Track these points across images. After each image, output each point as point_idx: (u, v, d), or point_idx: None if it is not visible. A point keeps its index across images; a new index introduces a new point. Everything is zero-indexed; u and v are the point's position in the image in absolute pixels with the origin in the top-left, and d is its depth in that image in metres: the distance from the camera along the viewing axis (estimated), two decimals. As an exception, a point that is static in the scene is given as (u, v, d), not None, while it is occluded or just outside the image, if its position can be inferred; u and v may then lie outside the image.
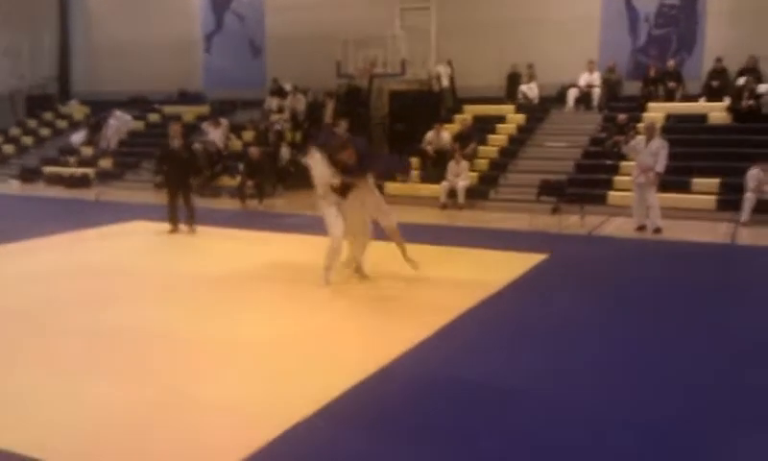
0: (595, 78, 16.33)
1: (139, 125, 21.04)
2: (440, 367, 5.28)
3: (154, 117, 21.33)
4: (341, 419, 4.37)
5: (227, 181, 16.83)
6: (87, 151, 20.26)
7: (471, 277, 8.10)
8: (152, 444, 4.05)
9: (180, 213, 11.31)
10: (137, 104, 22.01)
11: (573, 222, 11.81)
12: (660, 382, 4.97)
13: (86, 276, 8.24)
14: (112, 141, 20.29)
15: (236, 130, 19.02)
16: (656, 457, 3.84)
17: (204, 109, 20.58)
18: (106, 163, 19.44)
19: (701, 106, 15.03)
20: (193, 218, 11.30)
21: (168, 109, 21.22)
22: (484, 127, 16.01)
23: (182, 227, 11.22)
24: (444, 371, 5.20)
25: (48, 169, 19.40)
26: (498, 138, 15.88)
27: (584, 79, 16.36)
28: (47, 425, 4.23)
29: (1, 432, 4.09)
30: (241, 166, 15.81)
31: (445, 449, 3.96)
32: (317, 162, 8.03)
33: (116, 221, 12.13)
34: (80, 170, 18.84)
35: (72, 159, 19.80)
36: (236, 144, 18.46)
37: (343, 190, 7.85)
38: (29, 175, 19.41)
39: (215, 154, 17.51)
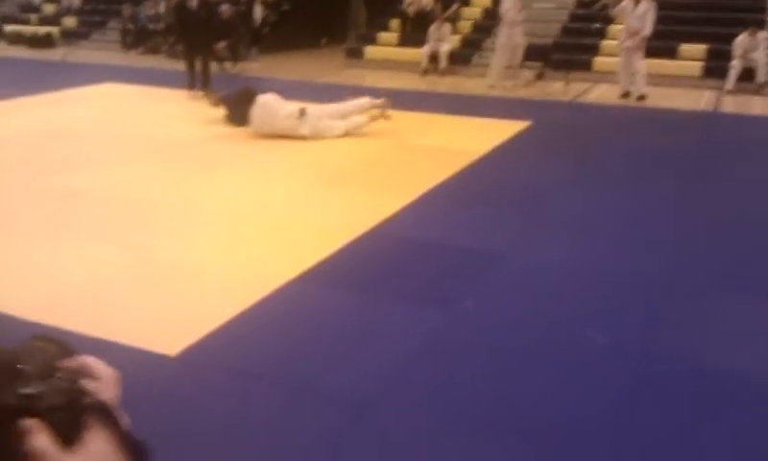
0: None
1: (103, -19, 19.87)
2: (421, 232, 5.28)
3: (118, -28, 20.11)
4: (324, 281, 4.37)
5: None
6: (49, 8, 19.20)
7: (452, 145, 7.95)
8: (137, 304, 4.02)
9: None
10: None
11: (557, 88, 11.55)
12: (632, 244, 5.02)
13: (57, 139, 8.00)
14: (75, -2, 19.24)
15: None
16: (628, 311, 3.89)
17: (172, -36, 19.42)
18: (70, 22, 18.47)
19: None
20: (208, 85, 10.65)
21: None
22: (467, -13, 15.33)
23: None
24: (426, 236, 5.20)
25: (9, 28, 18.41)
26: (482, 0, 15.25)
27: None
28: (20, 287, 4.16)
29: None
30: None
31: (428, 309, 3.97)
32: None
33: (85, 83, 11.65)
34: (43, 29, 17.91)
35: (33, 17, 18.79)
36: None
37: None
38: (-13, 33, 18.47)
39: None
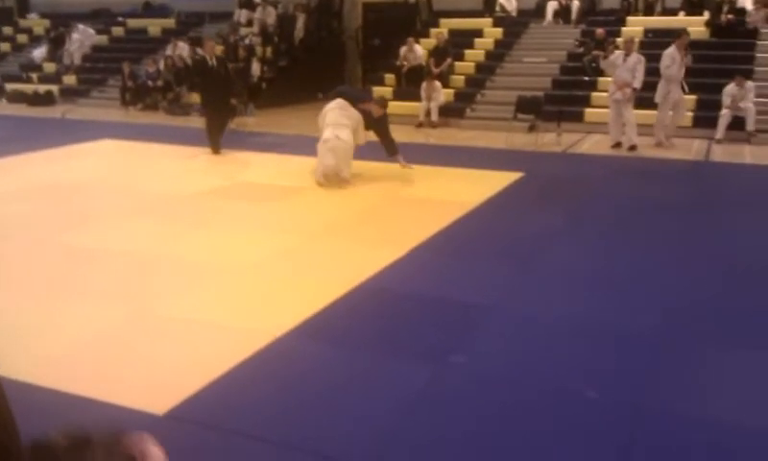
0: (574, -10, 15.95)
1: (103, 39, 20.26)
2: (412, 286, 5.29)
3: (117, 31, 20.55)
4: (317, 335, 4.38)
5: (195, 98, 16.34)
6: (50, 67, 19.53)
7: (445, 196, 8.03)
8: (129, 362, 4.03)
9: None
10: (100, 17, 21.17)
11: (549, 140, 11.70)
12: (630, 297, 5.01)
13: (56, 195, 8.09)
14: (76, 57, 19.55)
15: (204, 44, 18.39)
16: (625, 367, 3.88)
17: (170, 22, 19.84)
18: (70, 80, 18.77)
19: (680, 20, 14.76)
20: (219, 141, 10.77)
21: (132, 23, 20.44)
22: (460, 41, 15.63)
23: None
24: (417, 289, 5.21)
25: (10, 86, 18.70)
26: (475, 54, 15.54)
27: (562, -9, 15.97)
28: (20, 348, 4.16)
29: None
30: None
31: (415, 365, 3.96)
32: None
33: (84, 140, 11.81)
34: (43, 87, 18.19)
35: (34, 76, 19.11)
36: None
37: None
38: (-11, 93, 18.74)
39: (183, 69, 16.97)
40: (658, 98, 11.23)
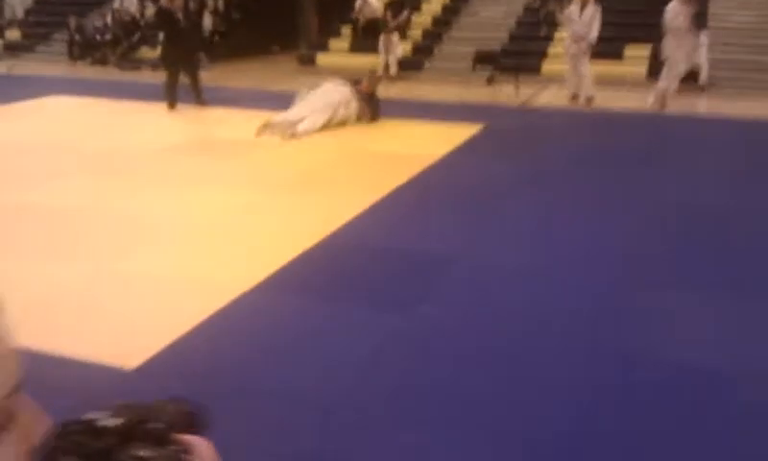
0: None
1: (47, -9, 19.46)
2: (377, 238, 5.34)
3: (62, -18, 19.72)
4: (285, 288, 4.39)
5: (146, 52, 15.92)
6: (-9, 20, 18.73)
7: (408, 150, 8.03)
8: (96, 319, 3.99)
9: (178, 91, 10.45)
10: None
11: (508, 92, 11.74)
12: (586, 243, 5.14)
13: (7, 153, 7.81)
14: (18, 10, 18.77)
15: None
16: (575, 308, 3.99)
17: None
18: (13, 35, 18.02)
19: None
20: (201, 95, 10.52)
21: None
22: (417, -6, 15.48)
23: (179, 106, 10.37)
24: (382, 241, 5.26)
25: (-51, 41, 17.89)
26: (432, 7, 15.42)
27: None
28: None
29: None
30: (161, 36, 14.91)
31: (384, 314, 4.01)
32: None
33: (32, 96, 11.39)
34: (-15, 41, 17.46)
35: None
36: (153, 12, 17.33)
37: None
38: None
39: (131, 23, 16.46)
40: (666, 53, 10.70)
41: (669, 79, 10.63)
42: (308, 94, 9.04)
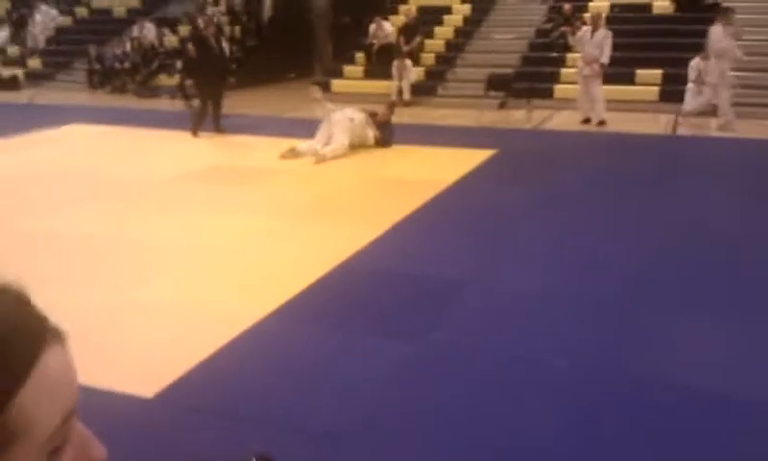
0: (542, -34, 15.99)
1: (66, 20, 19.91)
2: (390, 264, 5.41)
3: (81, 11, 20.18)
4: (300, 316, 4.48)
5: (164, 80, 16.21)
6: (13, 50, 19.16)
7: (421, 175, 8.13)
8: (114, 347, 4.08)
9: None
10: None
11: (520, 116, 11.84)
12: (596, 269, 5.18)
13: (28, 181, 8.00)
14: (40, 39, 19.21)
15: (170, 24, 18.18)
16: (587, 331, 4.05)
17: (135, 2, 19.54)
18: (34, 63, 18.44)
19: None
20: (220, 122, 10.68)
21: (96, 3, 20.08)
22: (429, 18, 15.67)
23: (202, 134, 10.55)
24: (395, 267, 5.33)
25: (-28, 71, 18.31)
26: (444, 31, 15.59)
27: (530, -33, 16.01)
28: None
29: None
30: (179, 64, 15.21)
31: (397, 341, 4.08)
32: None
33: (53, 125, 11.65)
34: (7, 71, 17.85)
35: (-2, 59, 18.76)
36: (171, 40, 17.67)
37: None
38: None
39: (150, 50, 16.78)
40: (714, 78, 10.64)
41: (725, 104, 10.58)
42: (331, 116, 9.25)
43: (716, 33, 10.51)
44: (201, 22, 10.89)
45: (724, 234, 5.96)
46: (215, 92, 10.65)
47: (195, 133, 10.49)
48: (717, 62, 10.58)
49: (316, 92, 9.50)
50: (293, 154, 8.87)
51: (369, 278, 5.13)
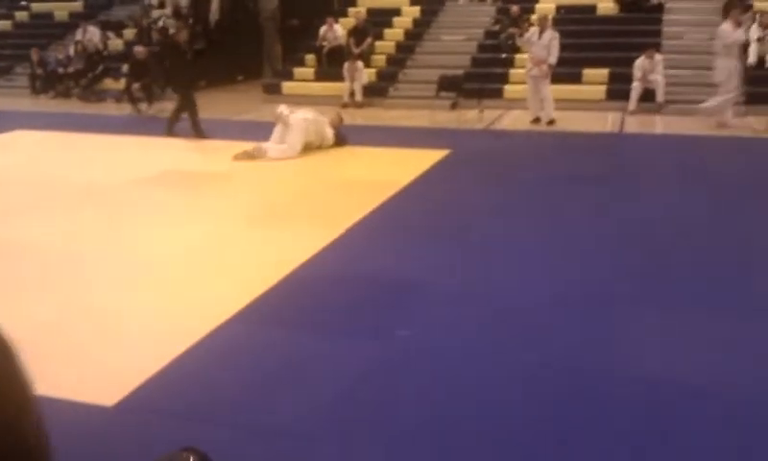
0: (488, -32, 16.18)
1: (6, 25, 19.31)
2: (348, 267, 5.39)
3: (21, 15, 19.59)
4: (260, 320, 4.45)
5: (110, 84, 15.85)
6: (-51, 55, 18.48)
7: (376, 176, 8.13)
8: (71, 356, 3.99)
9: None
10: (0, 0, 20.13)
11: (472, 116, 11.96)
12: (554, 266, 5.26)
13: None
14: (-23, 44, 18.57)
15: (115, 28, 17.80)
16: (549, 327, 4.11)
17: (78, 5, 19.08)
18: (-28, 68, 17.83)
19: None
20: (173, 126, 10.64)
21: (37, 7, 19.53)
22: (379, 20, 15.68)
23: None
24: (353, 270, 5.32)
25: None
26: (394, 33, 15.64)
27: (477, -31, 16.19)
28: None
29: None
30: (125, 68, 14.90)
31: (361, 341, 4.08)
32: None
33: (-6, 131, 11.29)
34: (-57, 76, 17.22)
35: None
36: (117, 44, 17.30)
37: None
38: None
39: (95, 54, 16.38)
40: (720, 77, 10.54)
41: (725, 101, 10.58)
42: (288, 117, 9.19)
43: (725, 30, 10.45)
44: (172, 29, 10.95)
45: (677, 225, 6.14)
46: (189, 98, 10.64)
47: (201, 135, 10.52)
48: (725, 60, 10.47)
49: (284, 109, 9.38)
50: (247, 155, 8.80)
51: (327, 281, 5.10)
